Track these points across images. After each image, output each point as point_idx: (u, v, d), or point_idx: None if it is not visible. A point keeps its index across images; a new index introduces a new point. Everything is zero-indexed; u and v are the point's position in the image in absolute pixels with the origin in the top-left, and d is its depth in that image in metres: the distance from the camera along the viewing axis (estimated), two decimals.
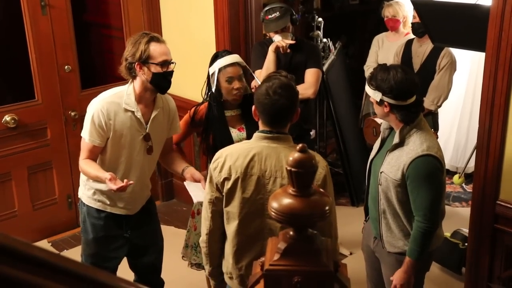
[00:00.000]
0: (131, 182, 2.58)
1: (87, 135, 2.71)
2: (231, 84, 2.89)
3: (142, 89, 2.73)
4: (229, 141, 2.80)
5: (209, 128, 2.96)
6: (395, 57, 4.33)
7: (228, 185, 2.24)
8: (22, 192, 4.15)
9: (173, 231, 4.40)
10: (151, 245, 3.08)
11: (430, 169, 2.47)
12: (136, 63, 2.67)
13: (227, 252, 2.39)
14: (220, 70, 2.89)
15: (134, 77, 2.74)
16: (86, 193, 2.87)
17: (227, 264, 2.40)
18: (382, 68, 2.52)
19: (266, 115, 2.23)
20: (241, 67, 2.95)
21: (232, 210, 2.28)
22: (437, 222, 2.54)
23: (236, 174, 2.22)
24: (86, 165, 2.73)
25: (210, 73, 2.95)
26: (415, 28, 4.17)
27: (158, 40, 2.70)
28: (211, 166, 2.30)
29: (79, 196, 2.96)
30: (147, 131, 2.78)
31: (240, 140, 2.76)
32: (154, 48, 2.66)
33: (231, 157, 2.25)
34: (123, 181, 2.57)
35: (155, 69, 2.66)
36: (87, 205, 2.88)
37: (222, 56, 2.94)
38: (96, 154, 2.76)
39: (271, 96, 2.18)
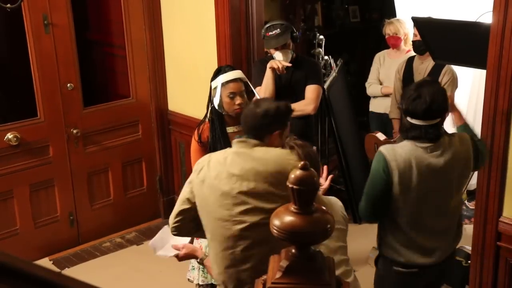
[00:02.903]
0: None
1: None
2: (233, 100, 2.91)
3: None
4: None
5: (214, 145, 2.95)
6: (397, 74, 4.34)
7: (203, 188, 2.27)
8: (24, 210, 4.14)
9: None
10: None
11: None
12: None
13: (211, 260, 2.41)
14: (222, 85, 2.91)
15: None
16: None
17: (213, 273, 2.43)
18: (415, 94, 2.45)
19: (243, 124, 2.32)
20: (243, 83, 2.96)
21: (203, 216, 2.30)
22: None
23: (210, 179, 2.24)
24: None
25: (212, 87, 2.96)
26: (416, 45, 4.18)
27: None
28: (194, 167, 2.37)
29: None
30: None
31: None
32: None
33: (208, 164, 2.28)
34: None
35: None
36: None
37: (225, 71, 2.95)
38: None
39: (253, 107, 2.29)
